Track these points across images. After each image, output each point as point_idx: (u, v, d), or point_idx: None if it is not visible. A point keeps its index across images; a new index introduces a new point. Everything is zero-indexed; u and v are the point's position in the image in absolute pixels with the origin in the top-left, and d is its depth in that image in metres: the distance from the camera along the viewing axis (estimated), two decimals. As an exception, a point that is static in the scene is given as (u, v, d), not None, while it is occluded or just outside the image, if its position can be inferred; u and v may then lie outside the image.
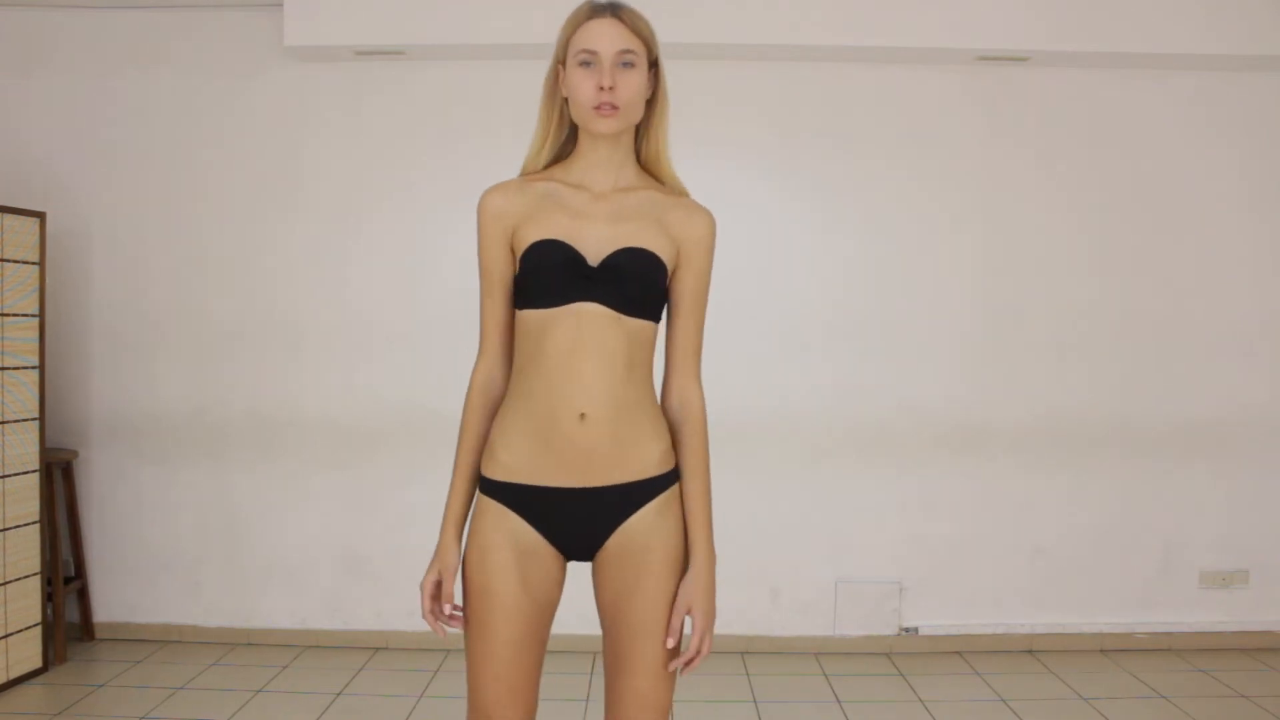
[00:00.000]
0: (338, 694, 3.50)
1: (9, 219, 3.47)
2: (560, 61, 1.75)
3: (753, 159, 3.90)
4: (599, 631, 1.81)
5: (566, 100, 1.74)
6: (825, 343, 3.92)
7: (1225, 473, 3.98)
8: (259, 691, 3.51)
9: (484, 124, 3.90)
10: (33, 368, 3.57)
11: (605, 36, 1.68)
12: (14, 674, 3.50)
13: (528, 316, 1.71)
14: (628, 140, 1.77)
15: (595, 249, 1.69)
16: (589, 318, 1.66)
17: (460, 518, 1.77)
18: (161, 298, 3.96)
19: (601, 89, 1.66)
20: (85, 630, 3.97)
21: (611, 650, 1.74)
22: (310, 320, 3.94)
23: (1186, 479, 3.97)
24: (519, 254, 1.71)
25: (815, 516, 3.95)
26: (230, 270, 3.95)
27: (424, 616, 1.76)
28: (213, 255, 3.96)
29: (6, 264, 3.45)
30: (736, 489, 3.91)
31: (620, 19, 1.70)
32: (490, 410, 1.77)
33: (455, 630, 1.79)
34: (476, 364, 1.79)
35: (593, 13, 1.71)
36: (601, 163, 1.75)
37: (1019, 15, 3.69)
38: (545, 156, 1.79)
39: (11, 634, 3.49)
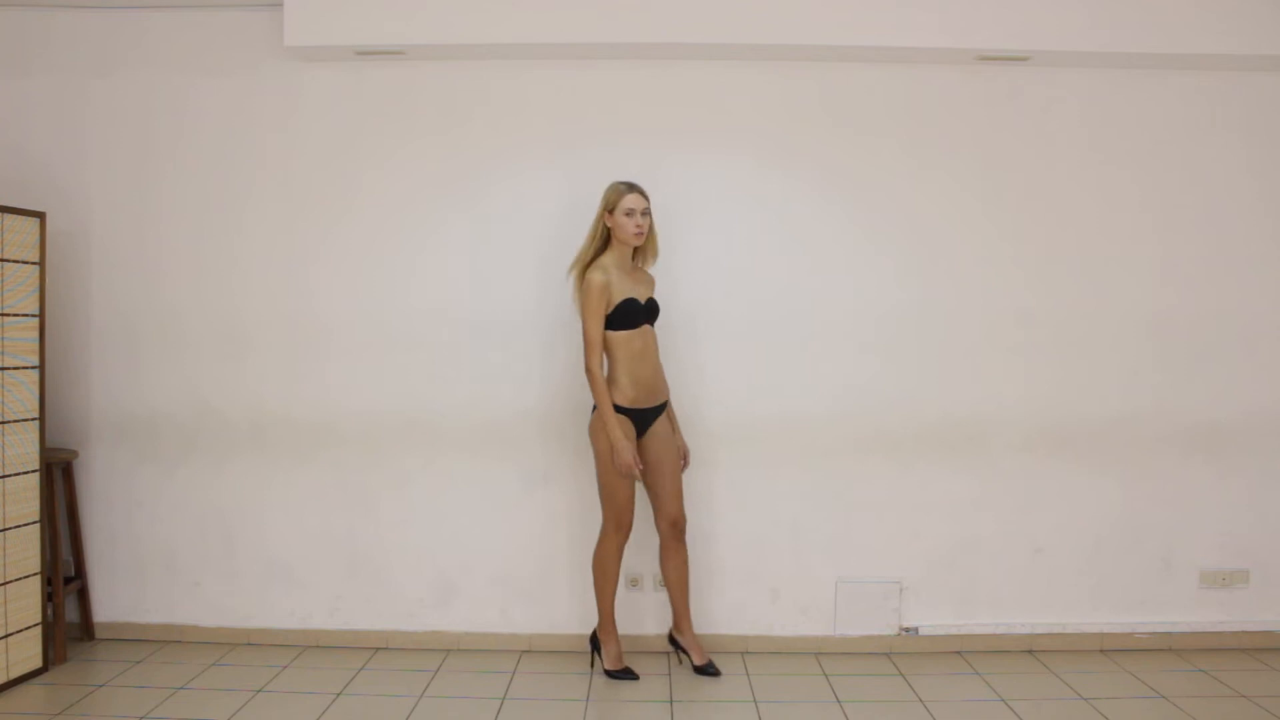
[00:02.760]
0: (338, 694, 3.50)
1: (9, 219, 3.47)
2: (609, 209, 3.51)
3: (752, 159, 3.90)
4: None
5: (609, 227, 3.53)
6: (825, 343, 3.92)
7: (1225, 473, 3.98)
8: (259, 691, 3.51)
9: (484, 123, 3.91)
10: (33, 368, 3.57)
11: (639, 202, 3.51)
12: (14, 674, 3.50)
13: (619, 334, 3.52)
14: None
15: (643, 298, 3.56)
16: (648, 331, 3.56)
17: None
18: (162, 297, 3.97)
19: (639, 226, 3.51)
20: (85, 630, 3.98)
21: (654, 471, 3.62)
22: (310, 320, 3.95)
23: (1187, 479, 3.98)
24: (614, 304, 3.48)
25: (815, 516, 3.95)
26: (231, 270, 3.96)
27: (632, 470, 3.48)
28: (212, 255, 3.96)
29: (6, 264, 3.46)
30: (737, 488, 3.92)
31: (641, 194, 3.52)
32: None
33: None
34: (594, 359, 3.49)
35: (631, 189, 3.51)
36: (628, 255, 3.59)
37: (1019, 15, 3.69)
38: (591, 255, 3.53)
39: (11, 634, 3.49)
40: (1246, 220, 3.95)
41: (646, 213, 3.48)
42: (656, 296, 3.65)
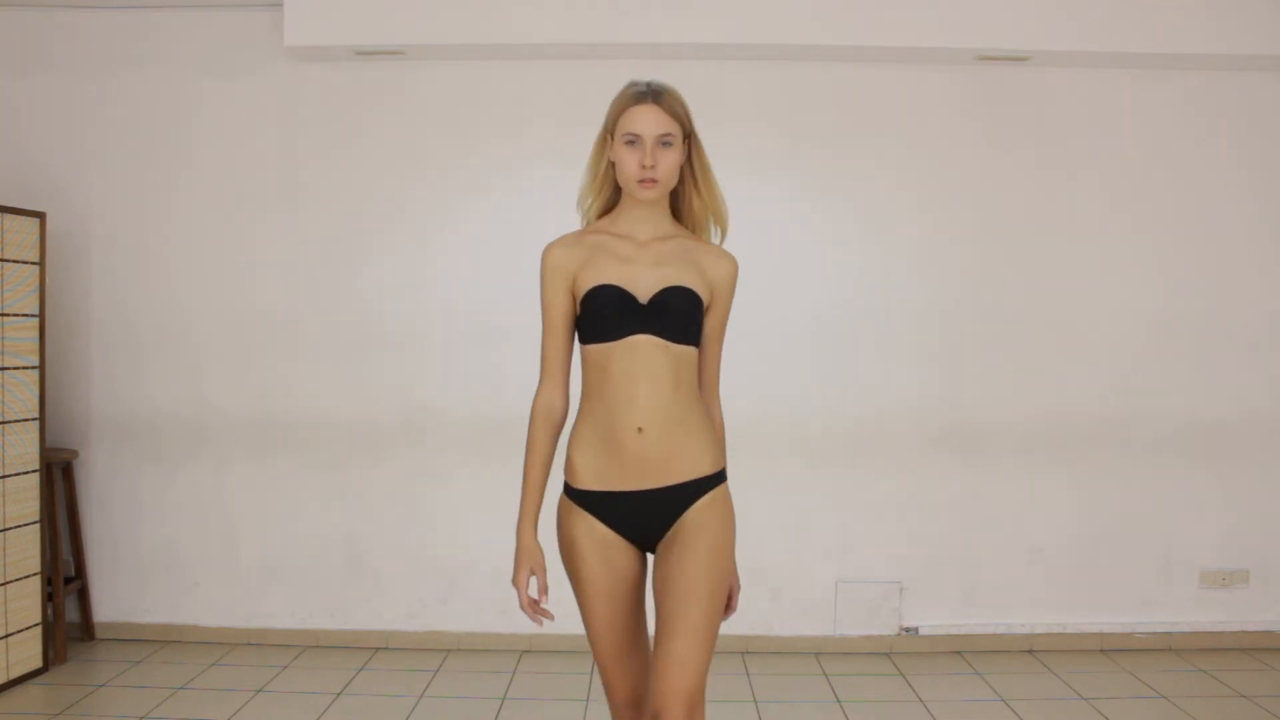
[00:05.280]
0: (338, 694, 3.50)
1: (9, 219, 3.47)
2: (609, 132, 2.02)
3: (751, 158, 3.89)
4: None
5: (612, 164, 2.03)
6: (825, 343, 3.91)
7: (1225, 473, 3.98)
8: (259, 691, 3.51)
9: (483, 124, 3.91)
10: (33, 368, 3.57)
11: (647, 122, 1.96)
12: (14, 674, 3.50)
13: (591, 350, 2.01)
14: (664, 198, 2.06)
15: (644, 289, 1.99)
16: (642, 347, 1.97)
17: (536, 520, 2.06)
18: (161, 298, 3.96)
19: (644, 166, 1.95)
20: (85, 630, 3.97)
21: (659, 620, 1.96)
22: (311, 320, 3.94)
23: (1186, 479, 3.97)
24: (579, 297, 2.01)
25: (815, 516, 3.95)
26: (230, 270, 3.95)
27: (523, 609, 2.01)
28: (212, 255, 3.96)
29: (6, 264, 3.45)
30: (737, 489, 3.91)
31: (660, 105, 1.97)
32: (554, 430, 2.06)
33: (548, 623, 2.06)
34: (538, 391, 2.06)
35: (637, 99, 1.98)
36: (643, 218, 2.05)
37: (1019, 15, 3.69)
38: (596, 210, 2.09)
39: (12, 634, 3.49)
40: (1246, 220, 3.95)
41: (667, 141, 1.97)
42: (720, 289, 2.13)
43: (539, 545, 2.03)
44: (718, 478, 2.06)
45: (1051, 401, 3.94)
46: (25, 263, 3.53)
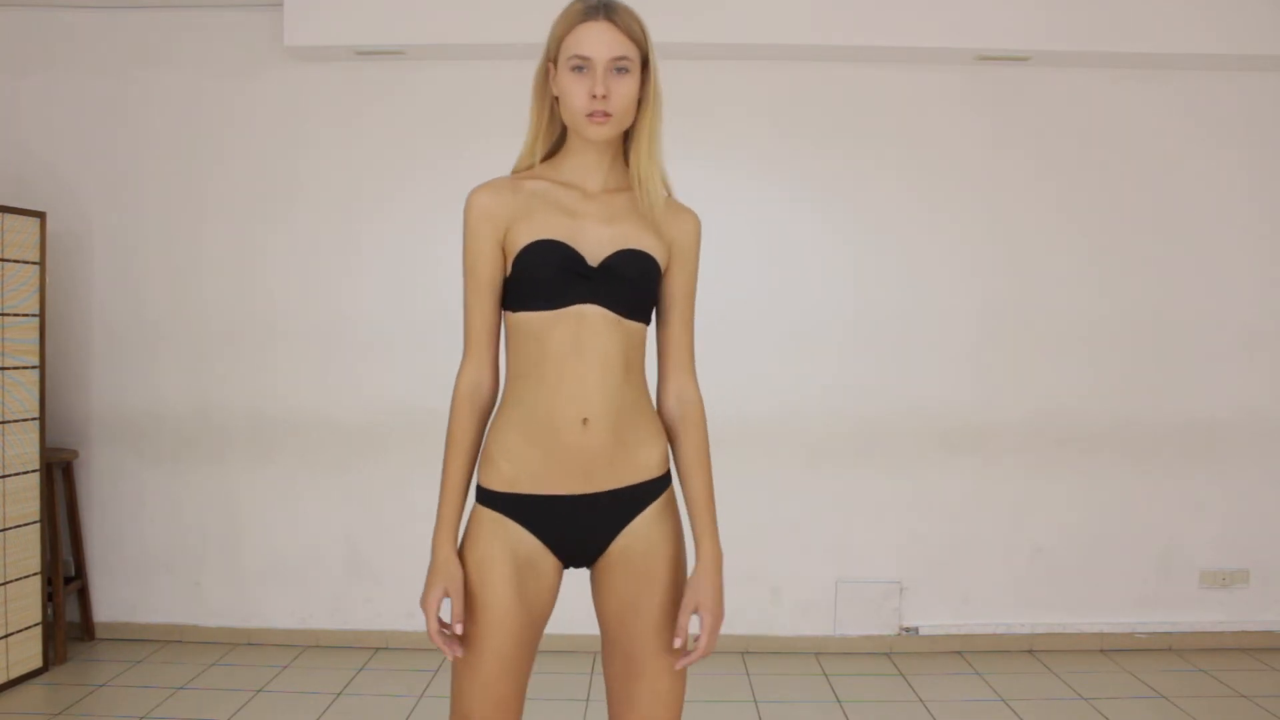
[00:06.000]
0: (338, 694, 3.50)
1: (9, 219, 3.47)
2: (551, 60, 1.71)
3: (751, 159, 3.90)
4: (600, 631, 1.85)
5: (557, 99, 1.71)
6: (826, 343, 3.92)
7: (1225, 473, 3.98)
8: (259, 691, 3.51)
9: (483, 124, 3.90)
10: (33, 368, 3.57)
11: (599, 42, 1.64)
12: (14, 674, 3.50)
13: (524, 319, 1.68)
14: (617, 140, 1.74)
15: (594, 250, 1.67)
16: (590, 320, 1.65)
17: (457, 529, 1.71)
18: (161, 298, 3.97)
19: (594, 97, 1.63)
20: (85, 630, 3.98)
21: (623, 654, 1.73)
22: (311, 320, 3.95)
23: (1186, 479, 3.97)
24: (512, 255, 1.68)
25: (815, 516, 3.95)
26: (230, 270, 3.95)
27: (432, 638, 1.65)
28: (213, 255, 3.96)
29: (6, 264, 3.46)
30: (737, 489, 3.91)
31: (614, 22, 1.65)
32: (480, 416, 1.72)
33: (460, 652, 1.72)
34: (461, 369, 1.72)
35: (585, 15, 1.66)
36: (593, 163, 1.73)
37: (1019, 15, 3.69)
38: (538, 154, 1.76)
39: (12, 634, 3.49)
40: (1246, 220, 3.95)
41: (622, 66, 1.66)
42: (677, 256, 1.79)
43: (458, 561, 1.68)
44: (665, 480, 1.76)
45: (1051, 401, 3.94)
46: (25, 262, 3.53)
